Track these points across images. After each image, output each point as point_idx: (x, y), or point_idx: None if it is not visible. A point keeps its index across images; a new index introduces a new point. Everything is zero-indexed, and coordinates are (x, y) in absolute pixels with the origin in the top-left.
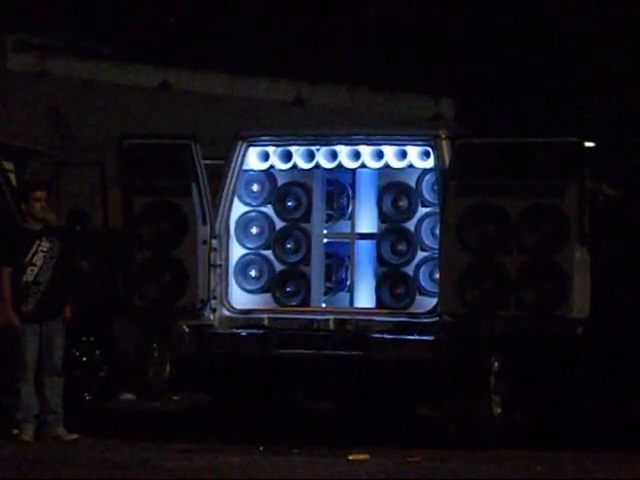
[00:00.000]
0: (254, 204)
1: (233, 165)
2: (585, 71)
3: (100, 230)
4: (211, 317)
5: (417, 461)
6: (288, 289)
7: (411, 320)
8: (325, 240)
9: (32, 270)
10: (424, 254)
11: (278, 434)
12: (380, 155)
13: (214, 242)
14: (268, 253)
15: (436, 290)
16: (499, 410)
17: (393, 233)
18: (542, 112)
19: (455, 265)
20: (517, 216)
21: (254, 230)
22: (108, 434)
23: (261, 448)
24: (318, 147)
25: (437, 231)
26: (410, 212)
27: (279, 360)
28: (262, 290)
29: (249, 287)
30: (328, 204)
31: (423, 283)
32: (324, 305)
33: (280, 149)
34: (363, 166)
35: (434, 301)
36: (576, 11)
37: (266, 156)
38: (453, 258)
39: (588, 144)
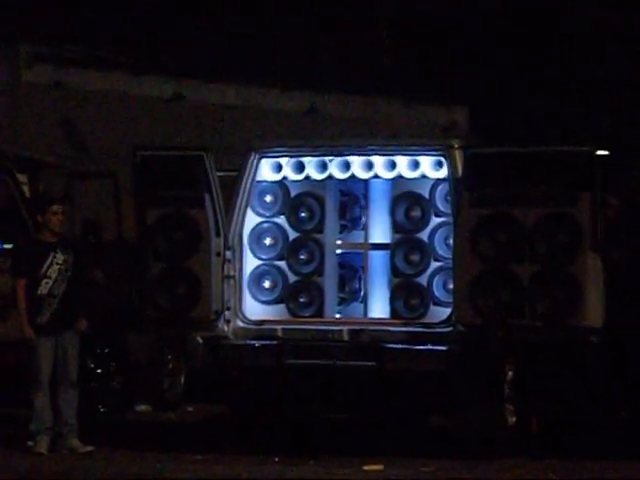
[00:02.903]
0: (267, 215)
1: (246, 176)
2: (596, 78)
3: (114, 242)
4: (225, 328)
5: (431, 471)
6: (302, 300)
7: (425, 330)
8: (338, 251)
9: (47, 282)
10: (438, 264)
11: (292, 445)
12: (393, 165)
13: (227, 253)
14: (282, 264)
15: (450, 300)
16: (513, 419)
17: (406, 243)
18: (556, 120)
19: (469, 275)
20: (530, 225)
21: (267, 241)
22: (123, 446)
23: (276, 459)
24: (331, 158)
25: (450, 241)
26: (423, 222)
27: (293, 371)
28: (276, 301)
29: (263, 298)
30: (341, 215)
31: (437, 293)
32: (338, 316)
33: (293, 160)
34: (376, 176)
35: (448, 311)
36: (590, 18)
37: (279, 167)
38: (467, 268)
39: (601, 152)
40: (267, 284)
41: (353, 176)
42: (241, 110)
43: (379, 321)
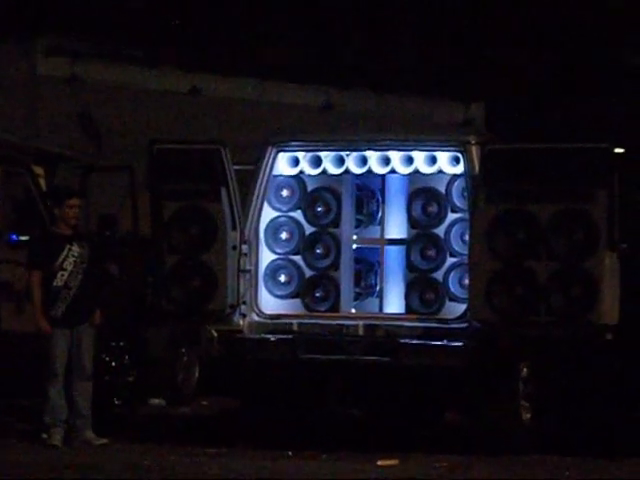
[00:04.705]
0: (284, 209)
1: (263, 170)
2: (615, 75)
3: (129, 235)
4: (240, 322)
5: (445, 467)
6: (317, 294)
7: (440, 326)
8: (354, 245)
9: (62, 275)
10: (453, 260)
11: (307, 439)
12: (410, 161)
13: (244, 247)
14: (297, 258)
15: (465, 296)
16: (528, 416)
17: (423, 239)
18: (573, 117)
19: (484, 271)
20: (547, 222)
21: (284, 235)
22: (137, 439)
23: (290, 453)
24: (348, 153)
25: (467, 237)
26: (440, 218)
27: (308, 365)
28: (291, 295)
29: (278, 292)
30: (358, 209)
31: (452, 289)
32: (353, 310)
33: (310, 154)
34: (393, 172)
35: (463, 307)
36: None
37: (296, 161)
38: (483, 264)
39: (618, 150)
40: (283, 278)
41: (370, 171)
42: (257, 105)
43: (394, 316)
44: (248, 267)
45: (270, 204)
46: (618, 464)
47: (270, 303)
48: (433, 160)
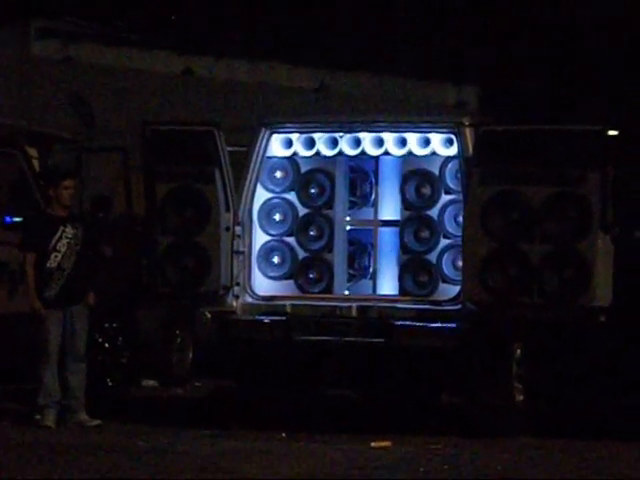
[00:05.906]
0: (277, 191)
1: (256, 152)
2: (613, 59)
3: (123, 217)
4: (234, 303)
5: (439, 448)
6: (311, 276)
7: (434, 308)
8: (348, 227)
9: (56, 256)
10: (447, 241)
11: (300, 421)
12: (403, 142)
13: (237, 229)
14: (291, 240)
15: (459, 278)
16: (521, 397)
17: (416, 220)
18: (568, 99)
19: (478, 253)
20: (540, 204)
21: (277, 217)
22: (130, 420)
23: (283, 434)
24: (341, 134)
25: (460, 218)
26: (433, 199)
27: (301, 347)
28: (285, 277)
29: (272, 274)
30: (351, 191)
31: (446, 271)
32: (347, 292)
33: (303, 136)
34: (386, 153)
35: (457, 289)
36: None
37: (289, 143)
38: (476, 246)
39: (612, 132)
40: (276, 260)
41: (363, 153)
42: (251, 86)
43: (388, 298)
44: (241, 248)
45: (263, 185)
46: (610, 447)
47: (263, 285)
48: (426, 142)
